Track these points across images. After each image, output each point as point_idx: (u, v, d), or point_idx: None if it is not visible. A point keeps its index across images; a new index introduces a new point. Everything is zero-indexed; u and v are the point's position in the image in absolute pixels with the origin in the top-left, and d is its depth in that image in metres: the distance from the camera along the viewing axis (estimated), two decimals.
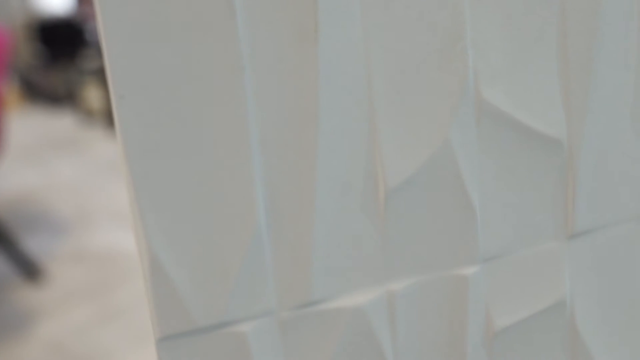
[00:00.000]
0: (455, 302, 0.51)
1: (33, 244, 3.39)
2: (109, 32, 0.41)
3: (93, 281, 3.01)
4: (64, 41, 6.59)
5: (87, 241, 3.42)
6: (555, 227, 0.53)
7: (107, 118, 5.54)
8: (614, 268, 0.56)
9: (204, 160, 0.43)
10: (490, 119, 0.50)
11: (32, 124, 6.02)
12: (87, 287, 2.97)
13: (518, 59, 0.50)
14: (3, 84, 2.90)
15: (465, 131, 0.49)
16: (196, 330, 0.45)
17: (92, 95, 5.75)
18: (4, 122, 2.93)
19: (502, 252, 0.52)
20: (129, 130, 0.42)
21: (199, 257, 0.44)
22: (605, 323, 0.56)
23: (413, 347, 0.51)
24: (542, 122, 0.51)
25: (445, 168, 0.49)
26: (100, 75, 5.72)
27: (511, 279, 0.53)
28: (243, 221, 0.45)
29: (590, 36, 0.52)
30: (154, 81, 0.42)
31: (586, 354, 0.56)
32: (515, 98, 0.50)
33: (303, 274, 0.47)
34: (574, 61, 0.52)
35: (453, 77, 0.48)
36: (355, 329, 0.49)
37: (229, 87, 0.43)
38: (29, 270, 3.06)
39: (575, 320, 0.55)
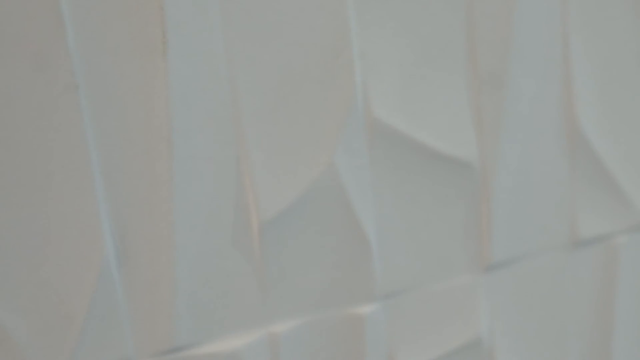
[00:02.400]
0: (350, 344, 0.45)
1: None
2: None
3: None
4: None
5: None
6: (468, 259, 0.47)
7: None
8: (537, 301, 0.50)
9: (39, 192, 0.38)
10: (384, 141, 0.44)
11: None
12: None
13: (418, 72, 0.44)
14: None
15: (354, 154, 0.43)
16: None
17: None
18: None
19: (405, 287, 0.46)
20: None
21: (36, 301, 0.39)
22: None
23: None
24: (449, 143, 0.45)
25: (331, 196, 0.43)
26: None
27: (418, 317, 0.47)
28: (87, 260, 0.39)
29: (503, 45, 0.46)
30: None
31: None
32: (414, 116, 0.45)
33: (165, 317, 0.41)
34: (485, 73, 0.46)
35: (337, 93, 0.42)
36: None
37: (62, 108, 0.37)
38: None
39: (495, 359, 0.49)
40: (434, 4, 0.44)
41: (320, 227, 0.43)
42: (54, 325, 0.40)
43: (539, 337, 0.51)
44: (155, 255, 0.41)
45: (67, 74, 0.37)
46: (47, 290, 0.39)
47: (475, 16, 0.45)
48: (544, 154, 0.48)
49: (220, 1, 0.40)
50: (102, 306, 0.40)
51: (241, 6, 0.40)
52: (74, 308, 0.40)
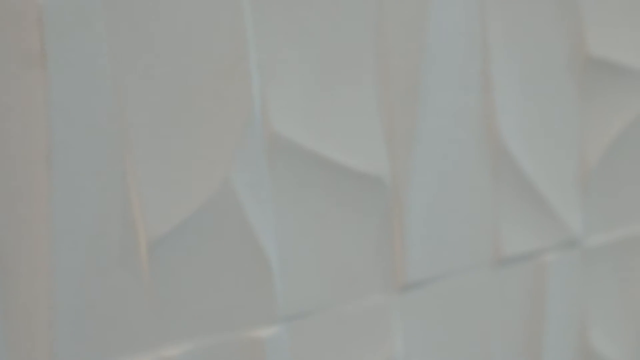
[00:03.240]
0: None
1: None
2: None
3: None
4: None
5: None
6: (381, 278, 0.45)
7: None
8: (460, 322, 0.47)
9: None
10: (286, 156, 0.42)
11: None
12: None
13: (322, 84, 0.42)
14: None
15: (252, 170, 0.41)
16: None
17: None
18: None
19: (311, 308, 0.44)
20: None
21: None
22: None
23: None
24: (357, 158, 0.43)
25: (227, 213, 0.41)
26: None
27: (325, 340, 0.44)
28: None
29: (416, 56, 0.44)
30: None
31: None
32: (318, 130, 0.42)
33: (44, 342, 0.39)
34: (396, 84, 0.44)
35: (233, 105, 0.40)
36: None
37: None
38: None
39: None
40: (340, 13, 0.42)
41: (216, 245, 0.41)
42: None
43: (463, 359, 0.49)
44: (34, 276, 0.38)
45: None
46: None
47: (385, 25, 0.43)
48: (464, 169, 0.46)
49: (105, 12, 0.38)
50: None
51: (128, 16, 0.38)
52: None
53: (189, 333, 0.42)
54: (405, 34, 0.43)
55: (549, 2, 0.47)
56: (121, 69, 0.38)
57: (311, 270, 0.43)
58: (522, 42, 0.46)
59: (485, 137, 0.46)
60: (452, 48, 0.44)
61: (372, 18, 0.42)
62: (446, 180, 0.45)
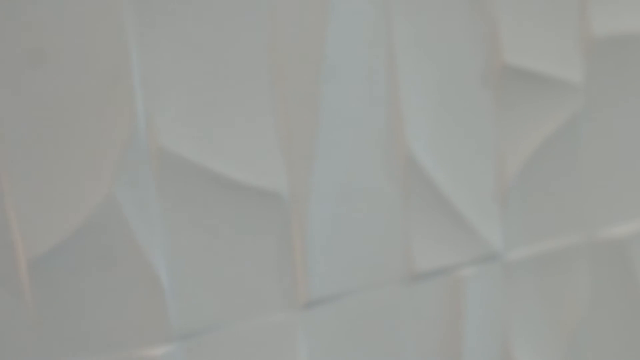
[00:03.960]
0: None
1: None
2: None
3: None
4: None
5: None
6: (283, 295, 0.44)
7: None
8: (371, 339, 0.46)
9: None
10: (174, 171, 0.41)
11: None
12: None
13: (211, 97, 0.41)
14: None
15: (137, 186, 0.40)
16: None
17: None
18: None
19: (207, 326, 0.43)
20: None
21: None
22: None
23: None
24: (251, 172, 0.42)
25: (113, 230, 0.40)
26: None
27: (224, 357, 0.43)
28: None
29: (313, 66, 0.42)
30: None
31: None
32: (207, 145, 0.41)
33: None
34: (294, 96, 0.42)
35: (116, 121, 0.39)
36: None
37: None
38: None
39: None
40: (230, 24, 0.40)
41: (103, 263, 0.40)
42: None
43: None
44: None
45: None
46: None
47: (280, 36, 0.41)
48: (371, 183, 0.45)
49: None
50: None
51: (2, 29, 0.37)
52: None
53: (76, 354, 0.41)
54: (302, 44, 0.42)
55: (461, 9, 0.45)
56: None
57: (207, 288, 0.42)
58: (432, 51, 0.45)
59: (393, 150, 0.45)
60: (354, 58, 0.43)
61: (265, 29, 0.41)
62: (350, 195, 0.44)
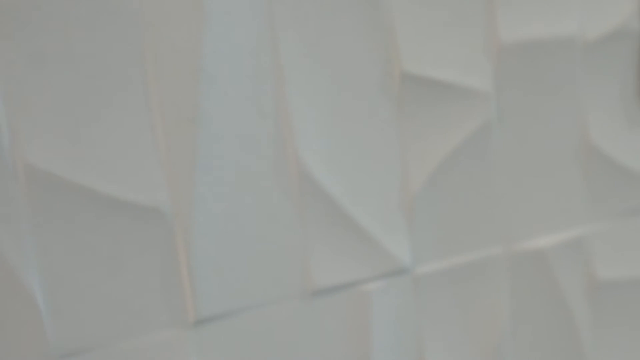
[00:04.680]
0: None
1: None
2: None
3: None
4: None
5: None
6: (170, 313, 0.43)
7: None
8: (264, 355, 0.45)
9: None
10: (46, 189, 0.40)
11: None
12: None
13: (84, 112, 0.40)
14: None
15: (5, 204, 0.39)
16: None
17: None
18: None
19: (90, 345, 0.42)
20: None
21: None
22: None
23: None
24: (130, 187, 0.41)
25: None
26: None
27: None
28: None
29: (191, 79, 0.41)
30: None
31: None
32: (83, 160, 0.40)
33: None
34: (173, 110, 0.41)
35: None
36: None
37: None
38: None
39: None
40: (102, 35, 0.39)
41: None
42: None
43: None
44: None
45: None
46: None
47: (155, 45, 0.40)
48: (263, 196, 0.43)
49: None
50: None
51: None
52: None
53: None
54: (178, 55, 0.40)
55: (354, 18, 0.44)
56: None
57: (88, 307, 0.41)
58: (324, 61, 0.43)
59: (284, 163, 0.43)
60: (236, 68, 0.41)
61: (139, 39, 0.40)
62: (240, 210, 0.43)
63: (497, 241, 0.49)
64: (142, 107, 0.40)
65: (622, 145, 0.51)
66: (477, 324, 0.49)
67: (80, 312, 0.41)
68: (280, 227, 0.43)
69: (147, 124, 0.40)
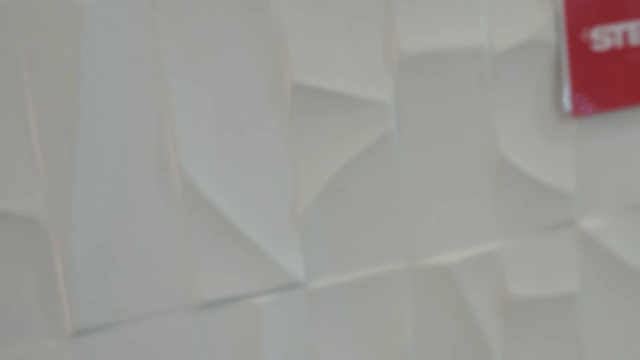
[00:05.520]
0: None
1: None
2: None
3: None
4: None
5: None
6: (48, 324, 0.42)
7: None
8: None
9: None
10: None
11: None
12: None
13: None
14: None
15: None
16: None
17: None
18: None
19: None
20: None
21: None
22: None
23: None
24: (5, 197, 0.40)
25: None
26: None
27: None
28: None
29: (68, 88, 0.41)
30: None
31: None
32: None
33: None
34: (49, 118, 0.41)
35: None
36: None
37: None
38: None
39: None
40: None
41: None
42: None
43: None
44: None
45: None
46: None
47: (31, 54, 0.40)
48: (146, 207, 0.43)
49: None
50: None
51: None
52: None
53: None
54: (56, 65, 0.40)
55: (241, 28, 0.43)
56: None
57: None
58: (211, 72, 0.43)
59: (168, 174, 0.43)
60: (115, 80, 0.41)
61: (15, 46, 0.39)
62: (119, 222, 0.42)
63: (400, 256, 0.48)
64: (18, 115, 0.40)
65: (536, 159, 0.50)
66: (378, 341, 0.48)
67: None
68: (163, 238, 0.43)
69: (24, 133, 0.40)
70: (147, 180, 0.42)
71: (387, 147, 0.46)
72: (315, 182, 0.45)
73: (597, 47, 0.50)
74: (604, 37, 0.50)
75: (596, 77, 0.50)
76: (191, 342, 0.45)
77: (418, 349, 0.49)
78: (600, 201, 0.53)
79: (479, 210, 0.49)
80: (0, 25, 0.38)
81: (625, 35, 0.50)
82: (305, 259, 0.46)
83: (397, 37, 0.46)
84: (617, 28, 0.50)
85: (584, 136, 0.51)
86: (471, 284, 0.50)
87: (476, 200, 0.49)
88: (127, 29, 0.41)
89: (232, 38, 0.42)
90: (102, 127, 0.41)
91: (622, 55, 0.50)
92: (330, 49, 0.44)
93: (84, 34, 0.40)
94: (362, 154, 0.46)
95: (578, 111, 0.50)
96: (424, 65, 0.46)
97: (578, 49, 0.49)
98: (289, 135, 0.44)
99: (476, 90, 0.48)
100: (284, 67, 0.44)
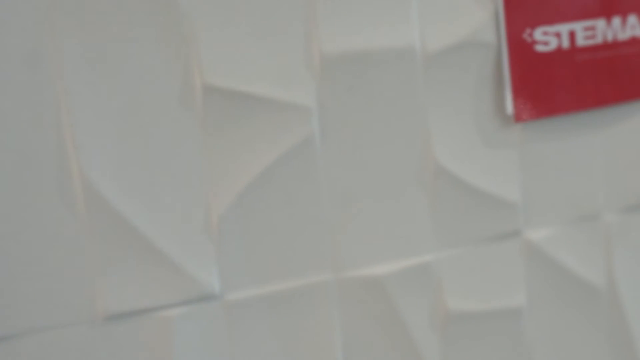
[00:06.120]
0: None
1: None
2: None
3: None
4: None
5: None
6: None
7: None
8: None
9: None
10: None
11: None
12: None
13: None
14: None
15: None
16: None
17: None
18: None
19: None
20: None
21: None
22: None
23: None
24: None
25: None
26: None
27: None
28: None
29: None
30: None
31: None
32: None
33: None
34: None
35: None
36: None
37: None
38: None
39: None
40: None
41: None
42: None
43: None
44: None
45: None
46: None
47: None
48: (44, 215, 0.40)
49: None
50: None
51: None
52: None
53: None
54: None
55: (151, 26, 0.40)
56: None
57: None
58: (115, 73, 0.40)
59: (68, 180, 0.40)
60: (11, 81, 0.39)
61: None
62: (17, 229, 0.40)
63: (326, 267, 0.45)
64: None
65: (476, 166, 0.47)
66: (305, 357, 0.46)
67: None
68: (64, 246, 0.41)
69: None
70: (46, 186, 0.40)
71: (309, 152, 0.44)
72: (230, 188, 0.43)
73: (542, 48, 0.47)
74: (548, 38, 0.47)
75: (540, 80, 0.47)
76: (97, 356, 0.42)
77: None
78: (546, 210, 0.50)
79: (412, 220, 0.47)
80: None
81: (572, 35, 0.47)
82: (220, 269, 0.43)
83: (319, 37, 0.43)
84: (563, 28, 0.47)
85: (528, 142, 0.48)
86: (404, 297, 0.47)
87: (409, 210, 0.46)
88: (24, 28, 0.38)
89: (138, 37, 0.40)
90: None
91: (568, 57, 0.47)
92: (245, 49, 0.42)
93: None
94: (282, 159, 0.43)
95: (521, 116, 0.47)
96: (348, 67, 0.44)
97: (520, 50, 0.46)
98: (201, 140, 0.42)
99: (407, 92, 0.45)
100: (194, 68, 0.41)
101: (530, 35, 0.47)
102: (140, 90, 0.40)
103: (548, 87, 0.47)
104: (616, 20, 0.47)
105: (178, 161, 0.42)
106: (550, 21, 0.47)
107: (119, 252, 0.42)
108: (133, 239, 0.42)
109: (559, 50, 0.47)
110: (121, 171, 0.41)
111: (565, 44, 0.47)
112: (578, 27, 0.47)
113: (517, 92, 0.47)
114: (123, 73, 0.40)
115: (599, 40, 0.48)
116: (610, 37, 0.48)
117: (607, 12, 0.47)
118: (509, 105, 0.47)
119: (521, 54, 0.47)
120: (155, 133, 0.41)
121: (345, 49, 0.44)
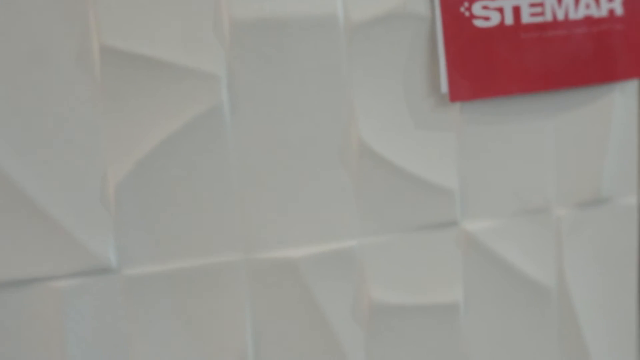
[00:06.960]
0: None
1: None
2: None
3: None
4: None
5: None
6: None
7: None
8: None
9: None
10: None
11: None
12: None
13: None
14: None
15: None
16: None
17: None
18: None
19: None
20: None
21: None
22: None
23: None
24: None
25: None
26: None
27: None
28: None
29: None
30: None
31: None
32: None
33: None
34: None
35: None
36: None
37: None
38: None
39: None
40: None
41: None
42: None
43: None
44: None
45: None
46: None
47: None
48: None
49: None
50: None
51: None
52: None
53: None
54: None
55: None
56: None
57: None
58: (9, 27, 0.39)
59: None
60: None
61: None
62: None
63: (235, 247, 0.43)
64: None
65: (406, 147, 0.44)
66: (211, 339, 0.43)
67: None
68: None
69: None
70: None
71: (217, 122, 0.41)
72: (128, 156, 0.40)
73: (481, 23, 0.43)
74: (489, 12, 0.43)
75: (479, 58, 0.44)
76: None
77: (257, 350, 0.44)
78: (488, 200, 0.46)
79: (333, 201, 0.44)
80: None
81: (517, 10, 0.44)
82: (117, 242, 0.41)
83: (228, 0, 0.40)
84: (506, 3, 0.43)
85: (468, 125, 0.45)
86: (322, 283, 0.44)
87: (330, 190, 0.43)
88: None
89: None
90: None
91: (512, 34, 0.44)
92: (148, 10, 0.40)
93: None
94: (187, 128, 0.41)
95: (456, 95, 0.44)
96: (261, 34, 0.41)
97: (456, 24, 0.43)
98: (99, 103, 0.40)
99: (329, 65, 0.42)
100: (92, 27, 0.39)
101: (468, 9, 0.43)
102: (33, 49, 0.39)
103: (488, 65, 0.44)
104: None
105: (73, 125, 0.40)
106: None
107: (7, 218, 0.40)
108: (21, 204, 0.40)
109: (501, 27, 0.44)
110: (10, 131, 0.39)
111: (509, 20, 0.44)
112: (523, 2, 0.44)
113: (453, 70, 0.43)
114: (15, 28, 0.38)
115: (548, 17, 0.44)
116: (561, 16, 0.44)
117: None
118: (444, 84, 0.44)
119: (458, 28, 0.43)
120: (49, 95, 0.39)
121: (257, 15, 0.41)
